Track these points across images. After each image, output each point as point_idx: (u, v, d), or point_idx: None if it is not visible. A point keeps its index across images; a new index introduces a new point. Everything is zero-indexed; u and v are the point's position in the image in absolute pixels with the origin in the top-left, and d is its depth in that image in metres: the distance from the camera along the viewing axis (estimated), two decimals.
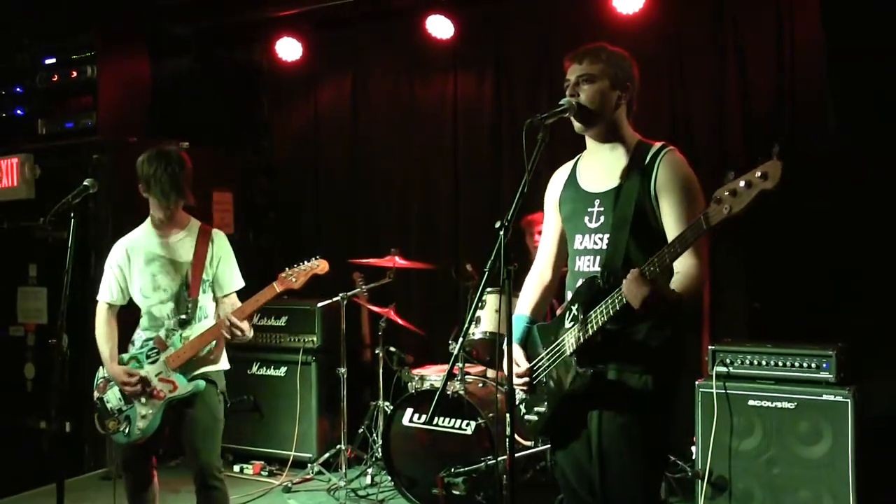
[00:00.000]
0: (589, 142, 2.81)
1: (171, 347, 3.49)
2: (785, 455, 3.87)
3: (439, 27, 5.87)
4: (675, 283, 2.52)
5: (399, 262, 5.24)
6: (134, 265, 3.60)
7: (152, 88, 6.36)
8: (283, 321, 5.70)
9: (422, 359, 5.51)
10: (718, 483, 4.00)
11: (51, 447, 3.43)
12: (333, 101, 6.71)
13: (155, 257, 3.58)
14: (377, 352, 5.30)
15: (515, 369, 2.72)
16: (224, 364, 3.67)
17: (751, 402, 3.97)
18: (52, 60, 6.04)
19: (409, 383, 5.05)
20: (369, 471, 5.16)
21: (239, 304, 3.59)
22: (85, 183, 3.39)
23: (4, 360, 6.01)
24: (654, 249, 2.40)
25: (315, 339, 5.56)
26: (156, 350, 3.52)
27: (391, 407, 4.94)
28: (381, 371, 5.27)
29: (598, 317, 2.51)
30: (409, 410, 4.73)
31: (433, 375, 4.97)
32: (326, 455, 5.33)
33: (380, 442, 4.97)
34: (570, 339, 2.63)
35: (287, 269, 3.54)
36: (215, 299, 3.65)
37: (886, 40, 4.41)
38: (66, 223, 3.30)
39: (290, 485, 5.15)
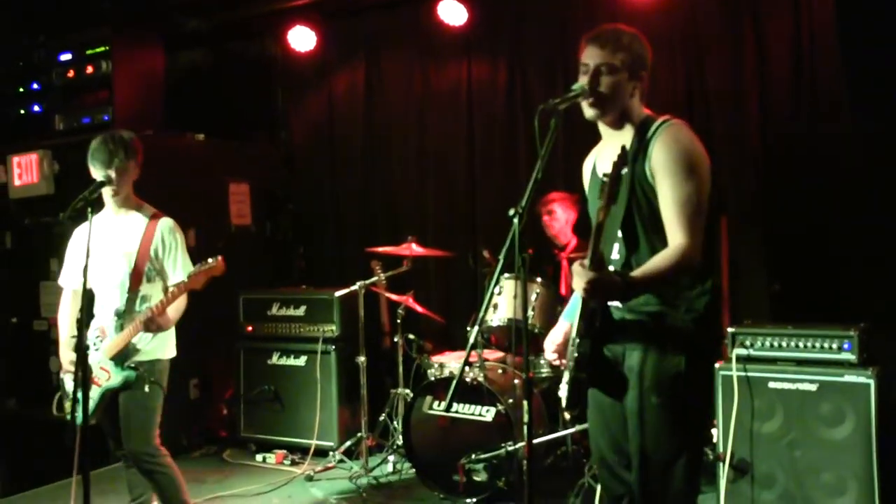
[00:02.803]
0: (601, 128, 2.78)
1: (109, 337, 3.57)
2: (807, 437, 3.83)
3: (451, 13, 5.84)
4: (653, 259, 2.51)
5: (416, 249, 5.23)
6: (92, 252, 3.61)
7: (167, 82, 6.39)
8: (301, 311, 5.73)
9: (441, 346, 5.52)
10: (740, 466, 3.98)
11: (76, 439, 3.48)
12: (348, 90, 6.71)
13: (105, 245, 3.62)
14: (396, 339, 5.31)
15: (550, 346, 2.86)
16: (160, 353, 3.68)
17: (771, 385, 3.93)
18: (68, 56, 6.08)
19: (429, 370, 5.06)
20: (390, 458, 5.19)
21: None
22: (101, 178, 3.42)
23: (29, 353, 6.08)
24: (650, 236, 2.45)
25: (334, 328, 5.59)
26: (100, 339, 3.60)
27: (411, 394, 4.96)
28: (400, 359, 5.28)
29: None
30: (429, 398, 4.74)
31: (453, 362, 4.97)
32: (348, 443, 5.36)
33: (400, 429, 4.99)
34: (575, 322, 2.67)
35: (193, 268, 3.54)
36: (164, 289, 3.66)
37: None
38: (84, 218, 3.34)
39: (312, 473, 5.18)
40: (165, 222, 3.68)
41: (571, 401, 2.78)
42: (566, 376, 2.82)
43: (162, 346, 3.71)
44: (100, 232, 3.64)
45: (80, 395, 3.55)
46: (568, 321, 2.87)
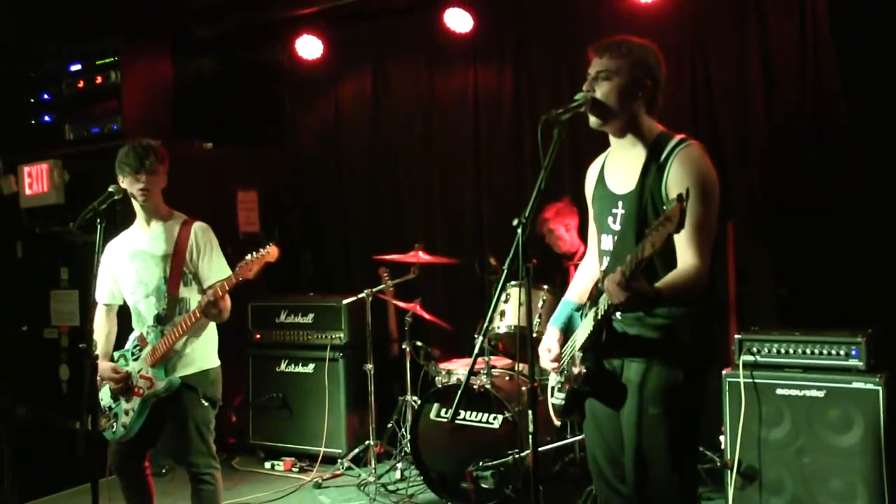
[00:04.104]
0: (610, 138, 2.78)
1: (150, 344, 3.54)
2: (815, 444, 3.83)
3: (457, 20, 5.86)
4: (667, 278, 2.48)
5: (423, 257, 5.24)
6: (120, 263, 3.65)
7: (176, 90, 6.43)
8: (309, 318, 5.75)
9: (449, 353, 5.51)
10: (748, 473, 3.98)
11: (85, 447, 3.50)
12: (355, 98, 6.73)
13: (138, 253, 3.62)
14: (404, 346, 5.31)
15: (547, 355, 2.80)
16: (209, 363, 3.66)
17: (779, 391, 3.93)
18: (78, 67, 6.12)
19: (437, 377, 5.06)
20: (398, 465, 5.19)
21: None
22: (110, 189, 3.44)
23: (40, 361, 6.12)
24: (662, 253, 2.42)
25: (342, 335, 5.61)
26: (139, 347, 3.58)
27: (419, 401, 4.96)
28: (408, 366, 5.28)
29: (594, 316, 2.57)
30: (437, 405, 4.75)
31: (460, 369, 4.96)
32: (356, 450, 5.38)
33: (408, 437, 5.00)
34: (580, 335, 2.67)
35: (247, 256, 3.44)
36: (202, 292, 3.62)
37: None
38: (95, 228, 3.36)
39: (320, 480, 5.20)
40: (199, 225, 3.68)
41: (567, 409, 2.80)
42: (553, 381, 2.84)
43: (208, 354, 3.66)
44: (133, 243, 3.66)
45: (115, 406, 3.60)
46: (556, 328, 2.86)
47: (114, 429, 3.58)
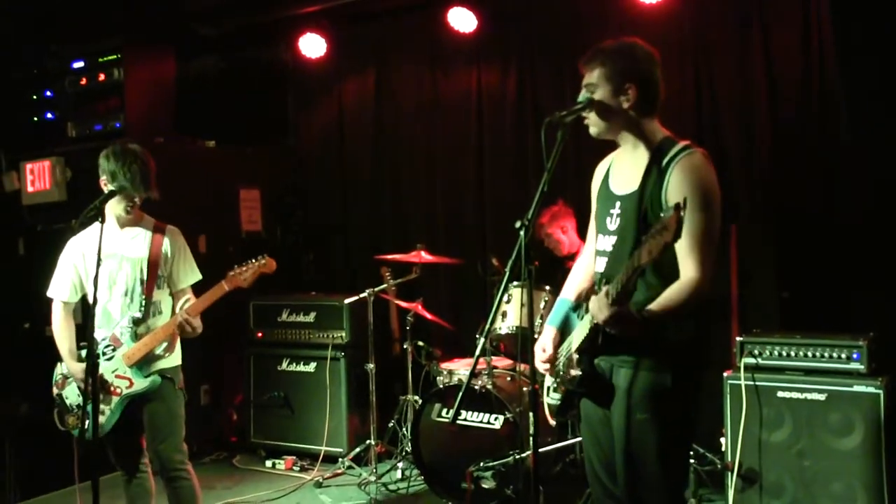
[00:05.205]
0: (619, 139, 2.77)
1: (126, 345, 3.55)
2: (816, 447, 3.83)
3: (461, 20, 5.86)
4: (660, 298, 2.48)
5: (425, 257, 5.24)
6: (90, 263, 3.60)
7: (179, 88, 6.43)
8: (311, 317, 5.76)
9: (450, 352, 5.51)
10: (748, 475, 3.98)
11: (82, 447, 3.51)
12: (358, 97, 6.72)
13: (111, 255, 3.60)
14: (405, 346, 5.32)
15: (542, 355, 2.81)
16: (178, 360, 3.71)
17: (780, 394, 3.93)
18: (81, 64, 6.13)
19: (438, 377, 5.06)
20: (399, 465, 5.20)
21: (193, 298, 3.62)
22: (111, 188, 3.45)
23: (42, 359, 6.10)
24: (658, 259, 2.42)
25: (343, 334, 5.61)
26: (112, 347, 3.57)
27: (420, 401, 4.97)
28: (409, 365, 5.29)
29: (590, 319, 2.55)
30: (438, 405, 4.75)
31: (461, 369, 4.97)
32: (357, 450, 5.39)
33: (409, 436, 5.00)
34: (576, 337, 2.68)
35: (236, 266, 3.54)
36: (171, 294, 3.69)
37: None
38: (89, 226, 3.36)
39: (321, 479, 5.20)
40: (171, 230, 3.73)
41: (562, 410, 2.81)
42: (550, 380, 2.84)
43: (176, 352, 3.72)
44: (107, 244, 3.60)
45: (100, 404, 3.58)
46: (553, 326, 2.86)
47: (85, 427, 3.56)
